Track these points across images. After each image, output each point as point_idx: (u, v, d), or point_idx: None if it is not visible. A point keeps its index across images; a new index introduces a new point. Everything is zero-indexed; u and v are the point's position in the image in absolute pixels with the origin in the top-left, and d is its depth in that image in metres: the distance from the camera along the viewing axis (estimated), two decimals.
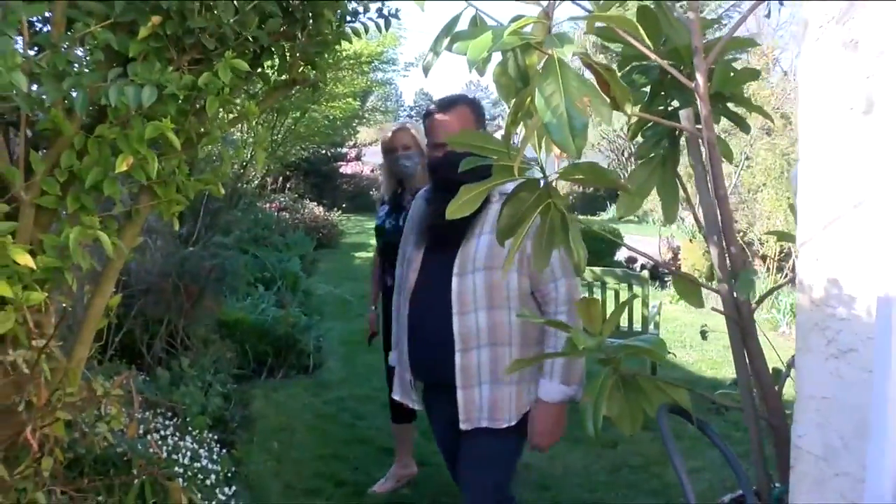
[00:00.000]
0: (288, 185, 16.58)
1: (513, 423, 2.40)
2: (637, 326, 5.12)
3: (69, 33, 1.93)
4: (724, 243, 1.73)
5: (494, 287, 2.34)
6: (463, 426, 2.41)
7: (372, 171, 23.48)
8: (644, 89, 2.07)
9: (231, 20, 1.98)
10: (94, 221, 1.88)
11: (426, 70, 1.50)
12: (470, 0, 1.49)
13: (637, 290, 5.14)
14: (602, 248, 9.41)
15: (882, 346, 1.12)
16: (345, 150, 23.17)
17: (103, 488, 2.80)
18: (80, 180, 2.02)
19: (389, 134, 3.60)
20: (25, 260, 1.72)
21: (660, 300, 6.14)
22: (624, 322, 5.12)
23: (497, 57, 1.48)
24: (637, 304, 5.12)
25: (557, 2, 1.47)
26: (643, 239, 12.35)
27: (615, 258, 10.82)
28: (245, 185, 10.54)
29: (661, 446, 4.24)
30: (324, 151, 19.58)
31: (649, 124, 1.98)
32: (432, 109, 2.49)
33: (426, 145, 2.58)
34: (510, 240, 1.90)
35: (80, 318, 2.41)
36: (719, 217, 1.73)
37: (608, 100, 1.51)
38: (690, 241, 10.28)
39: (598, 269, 5.30)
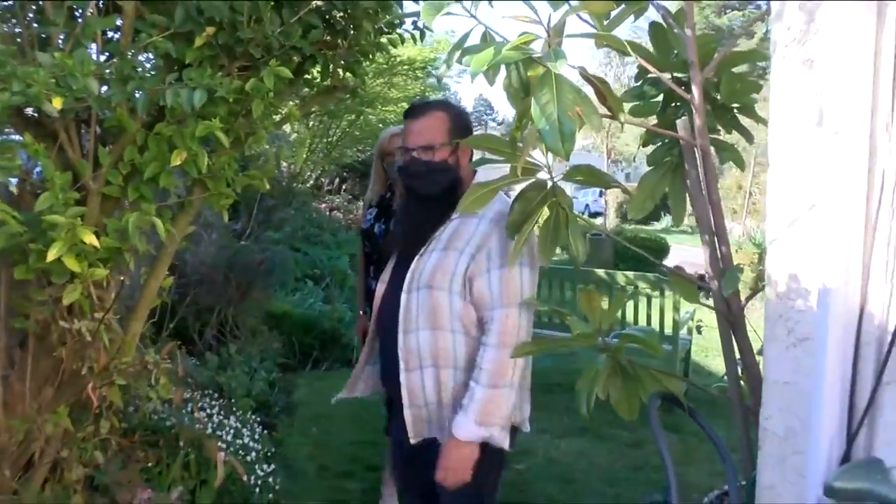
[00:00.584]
0: (343, 187, 16.94)
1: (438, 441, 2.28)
2: (668, 331, 5.22)
3: (134, 42, 2.17)
4: (715, 243, 1.87)
5: (437, 307, 2.18)
6: (412, 441, 2.29)
7: None
8: (656, 99, 2.22)
9: (276, 31, 2.20)
10: (151, 209, 2.11)
11: (439, 79, 1.69)
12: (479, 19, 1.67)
13: (668, 295, 5.25)
14: (634, 255, 9.41)
15: (822, 333, 1.26)
16: None
17: (152, 456, 3.05)
18: (140, 173, 2.26)
19: (388, 137, 3.41)
20: (91, 239, 1.96)
21: (695, 306, 6.17)
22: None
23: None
24: (669, 309, 5.23)
25: (564, 20, 1.65)
26: (692, 249, 12.32)
27: (665, 266, 10.82)
28: (300, 185, 10.88)
29: (685, 448, 4.38)
30: None
31: None
32: (407, 114, 2.32)
33: (399, 150, 2.40)
34: (454, 258, 2.16)
35: (137, 297, 2.67)
36: (712, 220, 1.87)
37: (603, 109, 1.68)
38: (736, 251, 10.27)
39: (630, 274, 5.43)
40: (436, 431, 2.27)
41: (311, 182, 12.43)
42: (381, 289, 2.41)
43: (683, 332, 5.43)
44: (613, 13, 1.92)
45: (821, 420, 1.26)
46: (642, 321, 5.30)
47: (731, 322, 1.87)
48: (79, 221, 1.97)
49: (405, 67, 10.94)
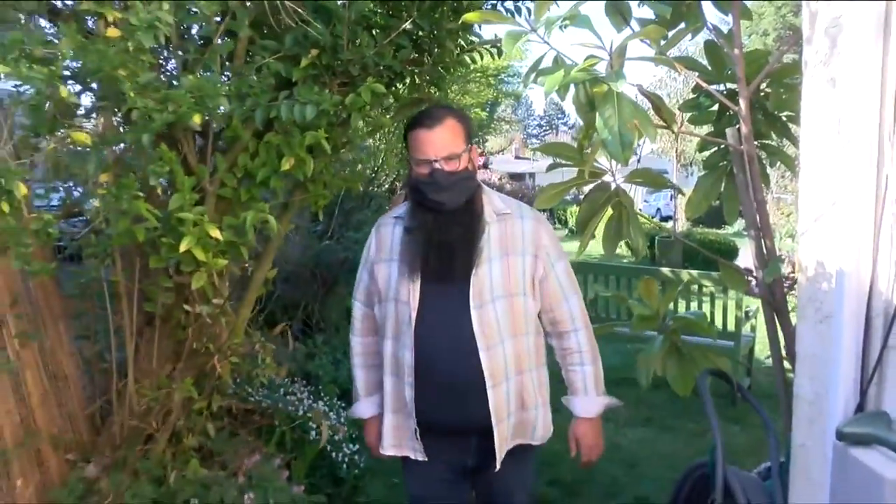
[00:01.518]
0: None
1: (536, 443, 2.31)
2: (731, 328, 5.38)
3: (248, 63, 2.52)
4: (761, 238, 2.10)
5: (515, 314, 2.16)
6: (500, 457, 2.20)
7: (499, 178, 24.21)
8: (712, 109, 2.45)
9: (371, 52, 2.51)
10: (265, 208, 2.44)
11: (517, 98, 1.96)
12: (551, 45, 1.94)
13: (732, 294, 5.40)
14: (703, 257, 9.48)
15: (839, 309, 1.49)
16: None
17: (253, 431, 3.41)
18: (252, 176, 2.60)
19: None
20: (216, 233, 2.30)
21: (757, 305, 6.34)
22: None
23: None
24: (732, 307, 5.39)
25: (626, 44, 1.91)
26: None
27: (719, 258, 10.89)
28: (376, 189, 11.29)
29: (748, 439, 4.53)
30: None
31: None
32: (416, 124, 2.15)
33: (414, 161, 2.16)
34: (520, 262, 2.15)
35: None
36: (758, 218, 2.10)
37: (658, 121, 1.93)
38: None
39: (695, 272, 5.59)
40: (518, 438, 2.26)
41: (387, 186, 12.86)
42: (406, 314, 2.16)
43: (746, 328, 5.58)
44: (671, 34, 2.17)
45: (838, 383, 1.49)
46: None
47: (775, 308, 2.09)
48: (205, 218, 2.31)
49: (478, 75, 11.27)
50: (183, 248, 2.25)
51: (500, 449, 2.17)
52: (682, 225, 18.00)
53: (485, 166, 25.02)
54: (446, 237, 2.12)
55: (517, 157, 44.04)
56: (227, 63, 2.56)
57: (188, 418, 2.95)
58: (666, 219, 24.19)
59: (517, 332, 2.17)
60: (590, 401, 2.27)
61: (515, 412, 2.21)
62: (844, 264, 1.48)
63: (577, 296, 2.26)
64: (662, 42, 2.11)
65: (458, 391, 2.15)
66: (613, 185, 2.23)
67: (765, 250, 2.10)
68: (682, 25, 2.22)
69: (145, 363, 2.82)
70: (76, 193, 2.51)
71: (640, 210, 2.50)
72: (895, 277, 1.40)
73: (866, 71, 1.42)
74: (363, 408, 2.45)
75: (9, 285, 2.45)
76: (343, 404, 4.41)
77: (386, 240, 2.28)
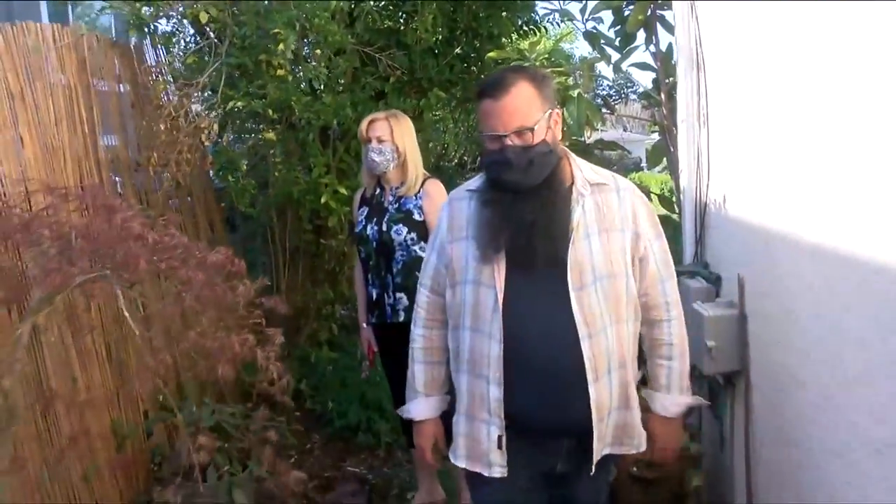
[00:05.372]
0: None
1: (641, 449, 2.00)
2: None
3: (354, 82, 3.90)
4: (678, 172, 3.37)
5: (617, 297, 1.89)
6: (596, 461, 1.91)
7: None
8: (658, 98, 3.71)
9: (435, 71, 3.87)
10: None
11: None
12: None
13: None
14: None
15: (689, 206, 2.81)
16: None
17: None
18: (359, 156, 3.99)
19: (365, 124, 3.03)
20: (343, 189, 3.70)
21: None
22: None
23: None
24: None
25: (592, 63, 3.22)
26: None
27: None
28: (446, 163, 12.64)
29: None
30: None
31: None
32: (482, 93, 1.86)
33: (483, 136, 1.90)
34: (619, 238, 1.87)
35: None
36: None
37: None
38: None
39: None
40: (617, 445, 1.97)
41: (456, 161, 14.16)
42: (490, 300, 1.88)
43: None
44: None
45: (685, 244, 2.80)
46: None
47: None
48: (336, 180, 3.72)
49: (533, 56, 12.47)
50: (323, 200, 3.66)
51: (598, 451, 1.90)
52: None
53: None
54: (526, 216, 1.84)
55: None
56: (340, 81, 3.97)
57: (319, 320, 4.41)
58: None
59: (619, 318, 1.90)
60: (671, 399, 2.02)
61: (617, 410, 1.93)
62: (689, 184, 2.78)
63: (673, 280, 2.00)
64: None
65: (555, 387, 1.87)
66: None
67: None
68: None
69: (291, 281, 4.27)
70: None
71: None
72: (705, 188, 2.67)
73: (688, 85, 2.72)
74: (421, 408, 2.12)
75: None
76: None
77: (460, 215, 2.00)
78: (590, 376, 1.83)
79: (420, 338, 2.09)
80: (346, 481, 3.57)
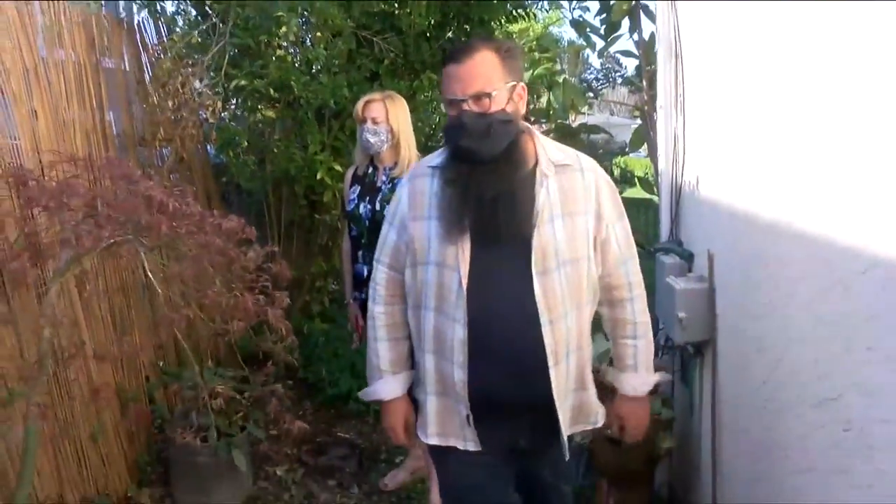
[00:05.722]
0: None
1: (598, 424, 2.06)
2: None
3: (349, 63, 4.05)
4: (656, 155, 3.56)
5: (580, 281, 1.88)
6: (568, 442, 1.97)
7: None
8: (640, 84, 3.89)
9: (428, 54, 4.02)
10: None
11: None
12: None
13: None
14: None
15: (665, 189, 2.99)
16: None
17: None
18: (353, 133, 4.15)
19: (361, 104, 3.06)
20: (337, 166, 3.86)
21: None
22: None
23: None
24: None
25: (579, 50, 3.39)
26: None
27: None
28: (435, 144, 12.89)
29: None
30: None
31: None
32: (448, 58, 1.83)
33: (444, 101, 1.87)
34: (583, 221, 1.85)
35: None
36: None
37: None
38: None
39: None
40: (578, 424, 2.02)
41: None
42: (454, 280, 1.85)
43: None
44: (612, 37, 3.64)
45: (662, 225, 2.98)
46: None
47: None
48: (331, 158, 3.88)
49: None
50: (319, 176, 3.82)
51: (567, 430, 1.94)
52: None
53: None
54: (488, 192, 1.80)
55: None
56: (336, 62, 4.11)
57: (312, 293, 4.58)
58: None
59: (580, 304, 1.90)
60: (639, 378, 2.03)
61: (574, 392, 1.96)
62: (666, 167, 2.97)
63: (634, 259, 1.99)
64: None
65: (517, 369, 1.87)
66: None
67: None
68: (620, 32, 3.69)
69: (285, 255, 4.42)
70: None
71: None
72: (680, 170, 2.86)
73: (667, 74, 2.89)
74: (388, 387, 2.05)
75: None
76: None
77: (422, 193, 1.94)
78: (550, 360, 1.83)
79: (382, 315, 2.03)
80: (338, 446, 3.76)
